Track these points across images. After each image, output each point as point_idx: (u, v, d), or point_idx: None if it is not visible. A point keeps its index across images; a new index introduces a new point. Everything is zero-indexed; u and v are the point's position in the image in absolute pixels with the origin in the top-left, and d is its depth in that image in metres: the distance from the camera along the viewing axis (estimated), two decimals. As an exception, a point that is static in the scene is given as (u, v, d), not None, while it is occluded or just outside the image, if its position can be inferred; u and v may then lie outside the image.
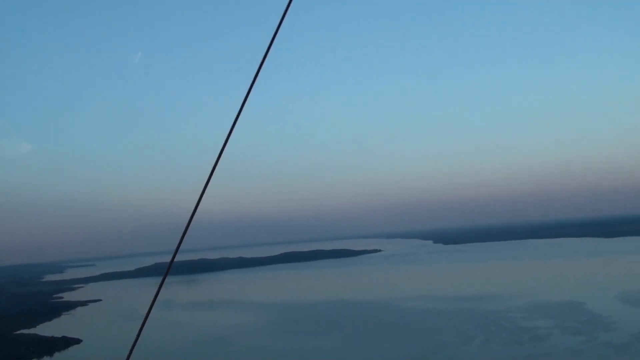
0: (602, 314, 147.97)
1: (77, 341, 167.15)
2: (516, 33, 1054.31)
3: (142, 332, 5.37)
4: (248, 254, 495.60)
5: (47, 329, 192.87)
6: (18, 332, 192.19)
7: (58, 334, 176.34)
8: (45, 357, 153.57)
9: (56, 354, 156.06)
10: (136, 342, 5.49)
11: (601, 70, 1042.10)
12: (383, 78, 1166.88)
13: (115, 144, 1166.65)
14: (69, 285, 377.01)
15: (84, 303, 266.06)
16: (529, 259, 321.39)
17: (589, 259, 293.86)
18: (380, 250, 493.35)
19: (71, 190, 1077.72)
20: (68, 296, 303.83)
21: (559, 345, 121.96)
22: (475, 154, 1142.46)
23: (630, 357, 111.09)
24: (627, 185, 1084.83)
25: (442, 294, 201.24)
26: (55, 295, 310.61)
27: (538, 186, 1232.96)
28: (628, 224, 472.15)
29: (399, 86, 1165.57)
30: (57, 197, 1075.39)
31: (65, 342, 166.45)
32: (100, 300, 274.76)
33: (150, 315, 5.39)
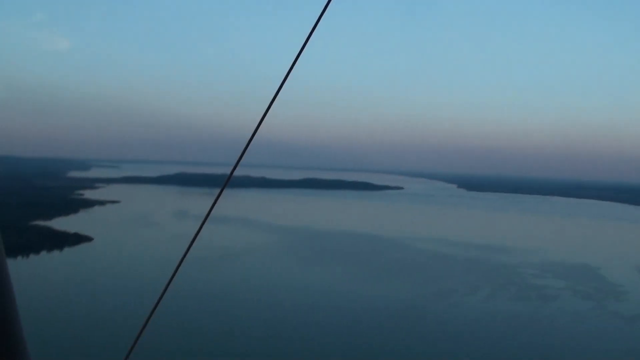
0: (616, 282, 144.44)
1: (88, 239, 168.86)
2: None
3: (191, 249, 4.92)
4: (270, 174, 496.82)
5: (61, 224, 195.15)
6: (33, 222, 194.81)
7: (71, 230, 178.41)
8: (55, 250, 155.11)
9: (66, 249, 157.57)
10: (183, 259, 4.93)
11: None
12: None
13: (153, 50, 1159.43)
14: (92, 183, 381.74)
15: (102, 203, 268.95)
16: (550, 216, 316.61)
17: (612, 224, 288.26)
18: (402, 188, 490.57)
19: (104, 90, 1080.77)
20: (88, 194, 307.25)
21: (565, 308, 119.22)
22: (513, 102, 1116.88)
23: (637, 330, 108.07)
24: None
25: (457, 240, 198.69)
26: (76, 192, 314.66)
27: (571, 144, 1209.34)
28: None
29: (442, 24, 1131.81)
30: (90, 96, 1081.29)
31: (77, 239, 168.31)
32: (119, 202, 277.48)
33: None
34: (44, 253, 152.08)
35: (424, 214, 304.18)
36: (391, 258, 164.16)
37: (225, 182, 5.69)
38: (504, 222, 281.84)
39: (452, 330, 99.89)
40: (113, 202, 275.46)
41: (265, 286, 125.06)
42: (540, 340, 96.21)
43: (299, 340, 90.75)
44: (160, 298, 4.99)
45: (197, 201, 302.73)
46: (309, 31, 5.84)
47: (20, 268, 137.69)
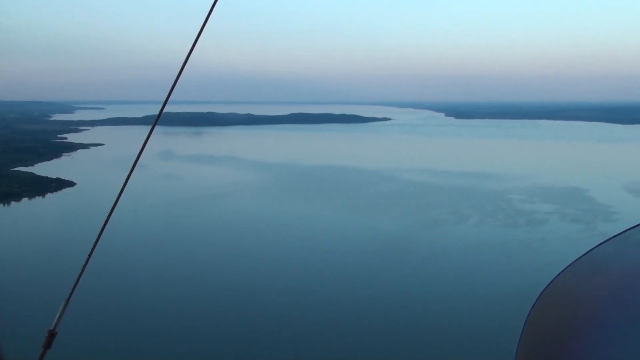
0: (605, 203, 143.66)
1: (70, 184, 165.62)
2: None
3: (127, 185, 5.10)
4: (257, 111, 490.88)
5: (44, 169, 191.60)
6: (15, 169, 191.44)
7: (53, 175, 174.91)
8: (36, 197, 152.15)
9: (48, 195, 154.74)
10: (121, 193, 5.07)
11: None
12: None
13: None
14: (75, 126, 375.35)
15: (85, 146, 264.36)
16: (538, 140, 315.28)
17: (600, 145, 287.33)
18: (390, 119, 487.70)
19: (87, 31, 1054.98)
20: (72, 137, 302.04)
21: (554, 231, 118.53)
22: (497, 28, 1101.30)
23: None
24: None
25: (445, 169, 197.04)
26: (59, 136, 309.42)
27: (557, 66, 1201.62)
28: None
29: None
30: (73, 37, 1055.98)
31: (59, 184, 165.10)
32: (103, 144, 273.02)
33: (139, 163, 5.38)
34: (25, 200, 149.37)
35: (412, 143, 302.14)
36: (380, 191, 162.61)
37: (155, 120, 5.15)
38: (492, 148, 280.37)
39: (443, 259, 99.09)
40: (97, 144, 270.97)
41: (254, 223, 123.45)
42: (530, 264, 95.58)
43: (288, 273, 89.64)
44: (98, 239, 4.72)
45: (183, 141, 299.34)
46: None
47: (2, 216, 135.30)
